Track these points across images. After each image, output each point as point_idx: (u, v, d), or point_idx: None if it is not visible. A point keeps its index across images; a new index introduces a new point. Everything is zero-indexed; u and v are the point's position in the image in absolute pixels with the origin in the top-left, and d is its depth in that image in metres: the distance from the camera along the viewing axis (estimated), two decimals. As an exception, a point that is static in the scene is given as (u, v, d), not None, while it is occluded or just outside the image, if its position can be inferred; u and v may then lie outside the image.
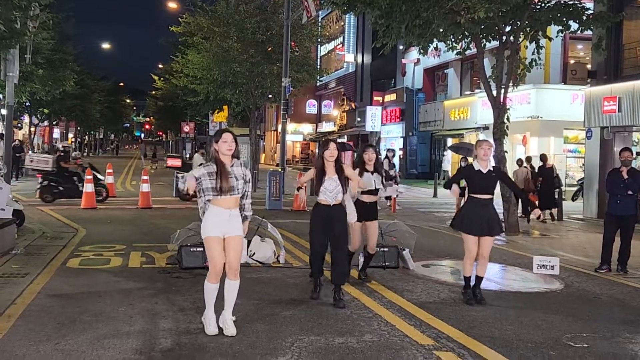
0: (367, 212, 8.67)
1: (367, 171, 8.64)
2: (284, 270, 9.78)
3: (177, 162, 25.19)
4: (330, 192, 7.59)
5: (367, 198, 8.70)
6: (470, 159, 18.98)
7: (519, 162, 18.56)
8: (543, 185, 17.96)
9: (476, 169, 7.91)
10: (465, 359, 5.82)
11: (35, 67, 24.75)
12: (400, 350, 6.04)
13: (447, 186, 8.38)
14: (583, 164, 23.09)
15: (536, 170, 18.30)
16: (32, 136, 42.95)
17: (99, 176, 20.10)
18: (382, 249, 10.04)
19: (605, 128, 19.20)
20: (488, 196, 7.88)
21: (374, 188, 8.69)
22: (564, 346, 6.35)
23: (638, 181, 10.52)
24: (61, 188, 19.20)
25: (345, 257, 7.97)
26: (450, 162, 33.57)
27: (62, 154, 20.32)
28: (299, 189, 8.95)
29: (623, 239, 10.54)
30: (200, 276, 7.77)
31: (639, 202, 10.71)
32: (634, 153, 12.06)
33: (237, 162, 6.31)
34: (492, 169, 7.96)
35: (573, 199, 24.81)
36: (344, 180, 7.65)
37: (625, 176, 10.33)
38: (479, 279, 8.03)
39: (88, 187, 17.97)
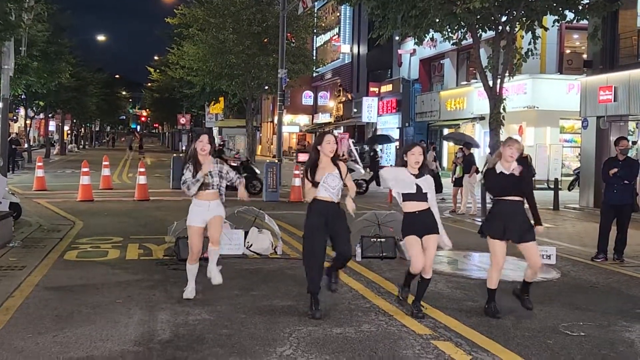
0: (419, 224, 6.85)
1: (411, 174, 6.86)
2: (281, 262, 9.80)
3: None
4: (333, 189, 6.73)
5: (412, 206, 6.89)
6: (473, 149, 19.06)
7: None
8: None
9: (498, 171, 6.98)
10: (462, 348, 5.85)
11: (31, 59, 24.61)
12: (398, 340, 6.06)
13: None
14: (579, 154, 23.14)
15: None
16: (28, 129, 42.85)
17: (256, 170, 21.47)
18: (379, 240, 10.10)
19: (602, 117, 19.23)
20: (513, 198, 6.95)
21: (415, 192, 6.85)
22: (561, 335, 6.38)
23: (633, 170, 10.53)
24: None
25: (350, 252, 7.12)
26: None
27: (220, 147, 21.18)
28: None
29: (619, 228, 10.56)
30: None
31: (635, 190, 10.73)
32: (630, 142, 12.07)
33: (214, 160, 7.43)
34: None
35: (569, 189, 24.90)
36: (343, 176, 6.85)
37: (614, 170, 10.31)
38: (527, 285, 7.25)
39: (84, 180, 17.96)
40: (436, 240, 6.84)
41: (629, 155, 10.79)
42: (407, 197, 6.90)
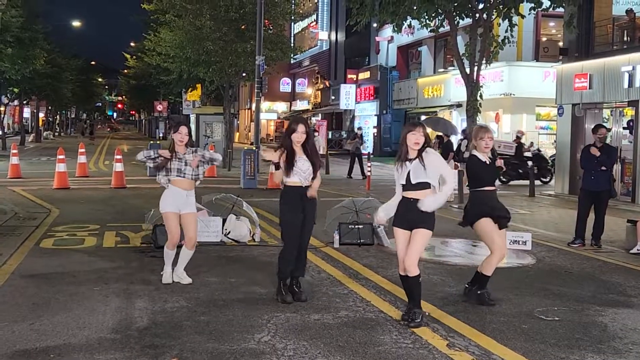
0: (409, 213, 6.13)
1: (407, 160, 6.16)
2: (260, 249, 9.81)
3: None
4: (304, 173, 6.76)
5: (412, 195, 6.15)
6: (451, 137, 19.15)
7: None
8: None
9: (482, 160, 6.95)
10: (439, 333, 5.90)
11: (5, 45, 24.37)
12: (375, 325, 6.11)
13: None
14: (555, 141, 23.33)
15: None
16: (2, 116, 42.34)
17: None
18: (356, 226, 10.15)
19: (577, 105, 19.38)
20: (493, 188, 7.03)
21: (404, 182, 6.15)
22: (536, 319, 6.46)
23: (612, 157, 10.67)
24: (520, 171, 21.91)
25: (307, 245, 7.09)
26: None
27: (520, 140, 22.83)
28: (274, 164, 6.92)
29: (597, 214, 10.67)
30: (175, 256, 7.76)
31: (612, 177, 10.84)
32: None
33: (190, 149, 7.49)
34: (491, 158, 7.09)
35: (545, 175, 25.09)
36: (316, 161, 6.86)
37: (597, 153, 10.44)
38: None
39: (60, 167, 17.80)
40: (423, 235, 6.10)
41: (606, 142, 10.92)
42: (403, 187, 6.20)
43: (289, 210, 6.84)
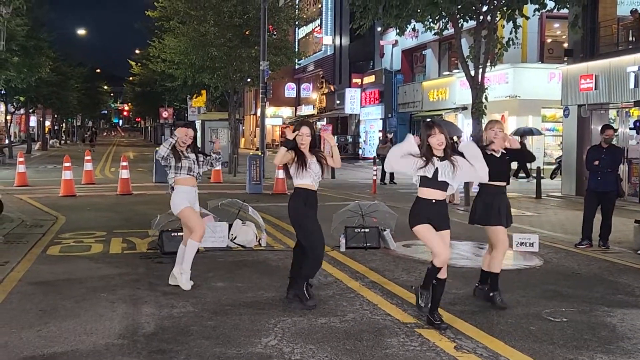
0: (433, 214, 6.14)
1: (435, 156, 6.06)
2: (266, 253, 9.80)
3: None
4: (316, 175, 6.80)
5: (428, 193, 6.13)
6: (456, 138, 19.12)
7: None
8: None
9: (489, 153, 6.86)
10: (446, 335, 5.88)
11: (10, 54, 24.44)
12: (382, 329, 6.09)
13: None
14: (561, 142, 23.28)
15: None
16: (9, 124, 42.47)
17: None
18: (362, 230, 10.13)
19: (583, 106, 19.35)
20: (502, 183, 6.98)
21: (430, 176, 6.04)
22: (544, 321, 6.43)
23: (616, 157, 10.64)
24: None
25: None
26: None
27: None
28: (285, 142, 6.85)
29: (604, 215, 10.65)
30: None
31: (619, 177, 10.82)
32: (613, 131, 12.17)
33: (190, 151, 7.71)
34: (505, 152, 6.99)
35: (552, 177, 25.08)
36: (323, 164, 6.92)
37: (596, 162, 10.41)
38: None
39: (66, 175, 17.83)
40: (449, 235, 6.24)
41: (612, 143, 10.89)
42: (422, 181, 6.11)
43: (307, 209, 6.79)
